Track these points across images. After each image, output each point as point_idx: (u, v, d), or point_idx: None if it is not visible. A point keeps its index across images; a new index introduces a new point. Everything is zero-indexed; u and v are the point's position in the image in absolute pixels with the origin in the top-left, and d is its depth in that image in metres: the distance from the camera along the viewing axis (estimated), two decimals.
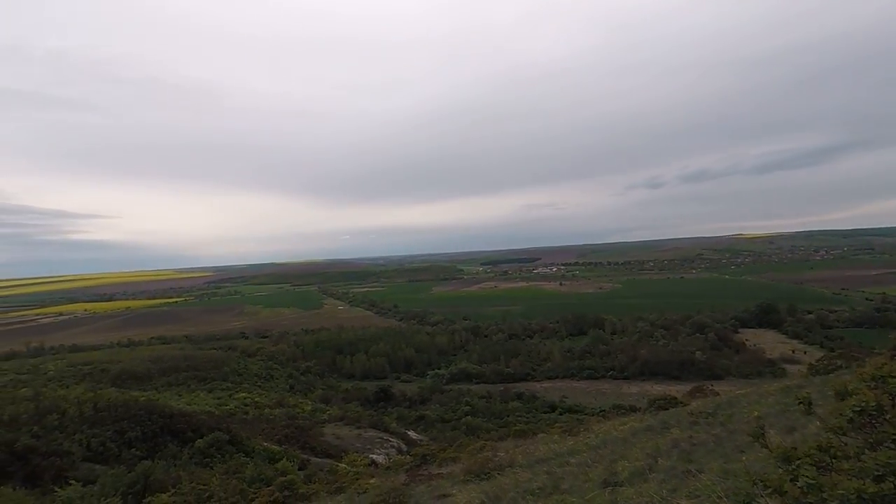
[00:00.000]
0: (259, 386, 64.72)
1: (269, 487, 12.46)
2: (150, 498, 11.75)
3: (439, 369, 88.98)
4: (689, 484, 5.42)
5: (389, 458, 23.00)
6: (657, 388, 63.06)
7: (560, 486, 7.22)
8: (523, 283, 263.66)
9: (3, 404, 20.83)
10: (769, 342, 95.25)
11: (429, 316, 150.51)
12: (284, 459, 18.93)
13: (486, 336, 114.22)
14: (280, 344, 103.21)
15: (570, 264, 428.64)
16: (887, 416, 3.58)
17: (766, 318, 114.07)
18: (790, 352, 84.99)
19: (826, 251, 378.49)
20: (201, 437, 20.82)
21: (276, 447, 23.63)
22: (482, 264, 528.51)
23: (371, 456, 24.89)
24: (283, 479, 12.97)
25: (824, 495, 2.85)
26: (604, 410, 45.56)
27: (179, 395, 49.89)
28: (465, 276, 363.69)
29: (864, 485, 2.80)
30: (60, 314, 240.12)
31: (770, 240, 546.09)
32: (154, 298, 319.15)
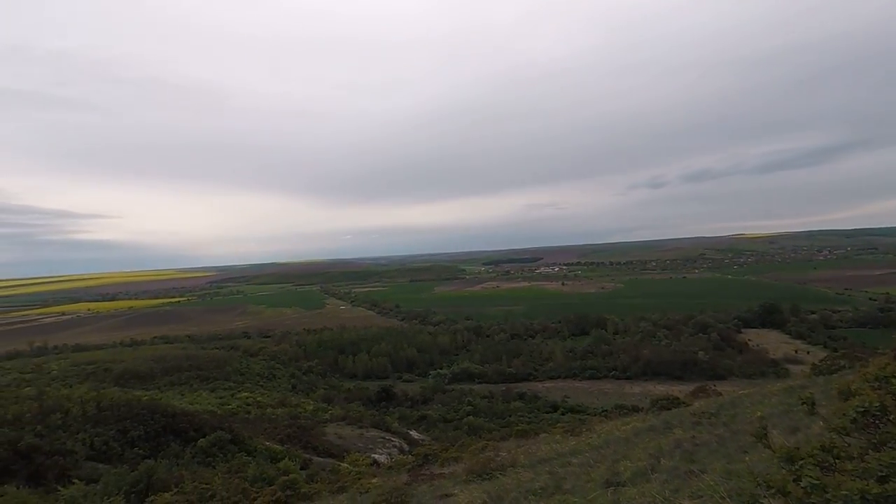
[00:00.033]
0: (261, 385, 64.93)
1: (272, 487, 12.47)
2: (152, 497, 11.77)
3: (441, 369, 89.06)
4: (692, 484, 5.40)
5: (391, 458, 23.02)
6: (660, 389, 63.01)
7: (562, 487, 7.21)
8: (525, 283, 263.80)
9: (6, 403, 20.89)
10: (772, 342, 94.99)
11: (431, 316, 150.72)
12: (286, 459, 18.93)
13: (488, 336, 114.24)
14: (282, 344, 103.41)
15: (571, 264, 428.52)
16: (891, 417, 3.57)
17: (769, 318, 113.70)
18: (793, 352, 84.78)
19: (829, 251, 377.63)
20: (204, 437, 20.84)
21: (278, 447, 23.66)
22: (484, 264, 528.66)
23: (373, 456, 24.91)
24: (286, 478, 12.96)
25: (828, 496, 2.85)
26: (606, 410, 45.55)
27: (182, 395, 50.06)
28: (468, 276, 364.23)
29: (867, 485, 2.80)
30: (63, 314, 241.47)
31: (772, 240, 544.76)
32: (157, 298, 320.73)
